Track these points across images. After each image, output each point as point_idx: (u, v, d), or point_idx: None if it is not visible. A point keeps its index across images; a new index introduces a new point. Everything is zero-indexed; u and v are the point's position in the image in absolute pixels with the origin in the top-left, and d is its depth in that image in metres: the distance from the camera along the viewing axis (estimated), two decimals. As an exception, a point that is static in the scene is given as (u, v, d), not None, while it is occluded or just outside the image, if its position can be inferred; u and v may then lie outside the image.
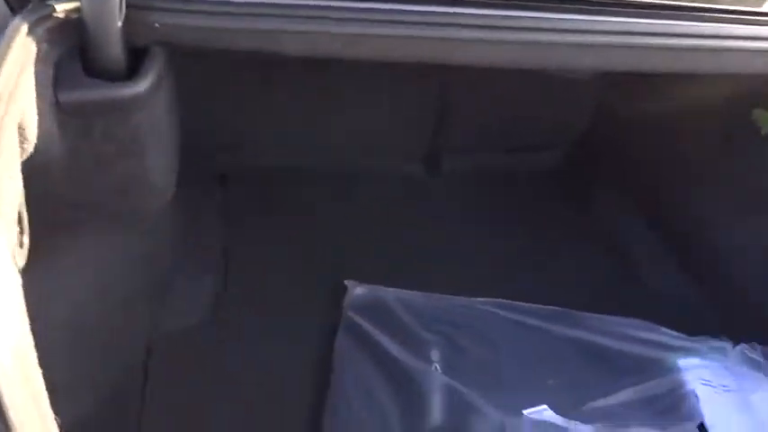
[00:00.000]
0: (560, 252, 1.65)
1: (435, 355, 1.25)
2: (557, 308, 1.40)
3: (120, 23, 0.79)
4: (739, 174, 1.44)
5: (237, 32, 0.87)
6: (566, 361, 1.27)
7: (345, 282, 1.42)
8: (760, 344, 1.29)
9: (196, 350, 1.26)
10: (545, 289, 1.47)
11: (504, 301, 1.41)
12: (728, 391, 1.19)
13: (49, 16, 0.77)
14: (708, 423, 1.14)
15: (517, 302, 1.41)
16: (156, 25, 0.83)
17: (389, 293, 1.40)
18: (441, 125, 1.80)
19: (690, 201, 1.58)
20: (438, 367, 1.22)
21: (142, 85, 0.84)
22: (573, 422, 1.09)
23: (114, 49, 0.81)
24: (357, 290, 1.40)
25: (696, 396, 1.17)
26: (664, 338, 1.33)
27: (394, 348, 1.24)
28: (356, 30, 0.89)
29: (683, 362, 1.25)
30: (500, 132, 1.85)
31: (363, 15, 0.89)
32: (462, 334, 1.31)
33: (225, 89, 1.58)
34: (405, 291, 1.42)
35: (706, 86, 1.42)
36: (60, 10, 0.78)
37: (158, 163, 0.98)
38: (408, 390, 1.17)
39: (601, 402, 1.17)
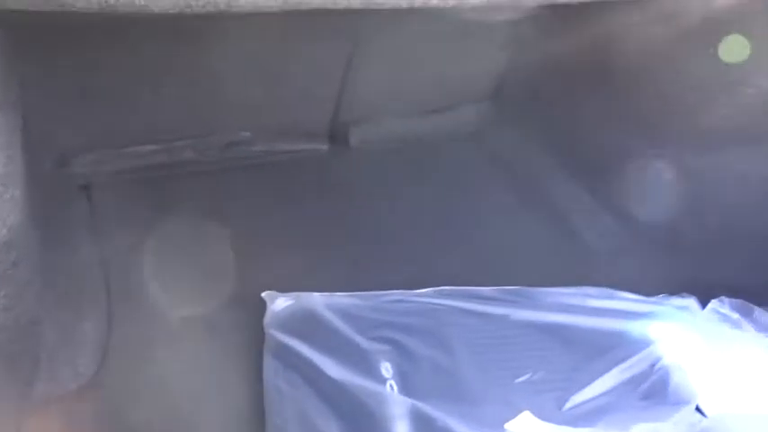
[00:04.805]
0: (489, 222, 1.49)
1: (387, 369, 1.05)
2: (501, 287, 1.24)
3: None
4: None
5: None
6: (527, 349, 1.12)
7: (263, 294, 1.18)
8: (727, 296, 1.19)
9: (78, 420, 0.98)
10: (479, 265, 1.32)
11: (444, 288, 1.23)
12: (713, 359, 1.08)
13: None
14: (701, 402, 1.02)
15: (457, 287, 1.23)
16: None
17: (316, 299, 1.18)
18: (344, 94, 1.57)
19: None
20: (393, 385, 1.03)
21: None
22: (566, 429, 0.94)
23: None
24: (277, 302, 1.16)
25: (681, 369, 1.05)
26: (622, 304, 1.21)
27: (334, 369, 1.03)
28: None
29: (653, 330, 1.13)
30: (409, 96, 1.66)
31: None
32: (409, 337, 1.11)
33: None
34: (332, 294, 1.20)
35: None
36: None
37: None
38: (363, 420, 0.96)
39: (583, 395, 1.02)
